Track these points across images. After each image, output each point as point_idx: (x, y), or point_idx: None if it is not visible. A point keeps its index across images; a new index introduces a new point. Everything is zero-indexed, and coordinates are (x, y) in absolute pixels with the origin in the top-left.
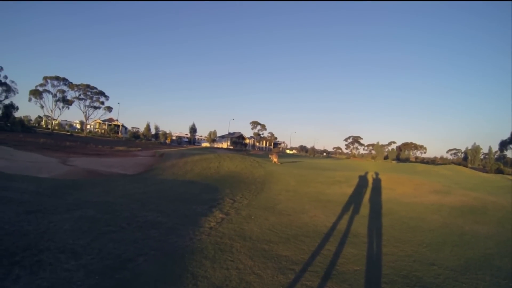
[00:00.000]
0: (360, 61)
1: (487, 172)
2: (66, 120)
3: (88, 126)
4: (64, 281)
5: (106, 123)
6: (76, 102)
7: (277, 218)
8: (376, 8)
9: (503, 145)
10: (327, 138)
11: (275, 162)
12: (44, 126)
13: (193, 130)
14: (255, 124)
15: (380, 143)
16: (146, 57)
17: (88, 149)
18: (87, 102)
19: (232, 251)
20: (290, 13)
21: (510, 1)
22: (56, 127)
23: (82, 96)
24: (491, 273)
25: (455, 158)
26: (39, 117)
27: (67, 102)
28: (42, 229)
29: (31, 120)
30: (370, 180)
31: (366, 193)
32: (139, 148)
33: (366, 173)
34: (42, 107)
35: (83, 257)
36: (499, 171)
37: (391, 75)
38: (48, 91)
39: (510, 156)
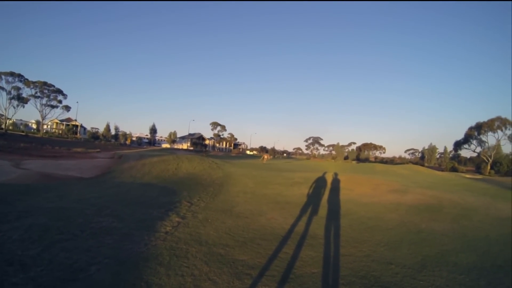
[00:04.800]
0: (320, 63)
1: (442, 170)
2: (21, 120)
3: (45, 126)
4: None
5: (64, 123)
6: (32, 100)
7: (234, 221)
8: (334, 10)
9: (457, 145)
10: (288, 139)
11: (265, 159)
12: None
13: (153, 131)
14: (215, 125)
15: (340, 144)
16: (106, 57)
17: (44, 151)
18: (44, 101)
19: (188, 257)
20: (249, 14)
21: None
22: (10, 127)
23: (38, 94)
24: (447, 269)
25: (413, 157)
26: None
27: (22, 100)
28: None
29: None
30: (330, 181)
31: (325, 194)
32: (98, 150)
33: (326, 173)
34: None
35: (32, 269)
36: (453, 170)
37: (351, 77)
38: (2, 88)
39: (464, 155)
